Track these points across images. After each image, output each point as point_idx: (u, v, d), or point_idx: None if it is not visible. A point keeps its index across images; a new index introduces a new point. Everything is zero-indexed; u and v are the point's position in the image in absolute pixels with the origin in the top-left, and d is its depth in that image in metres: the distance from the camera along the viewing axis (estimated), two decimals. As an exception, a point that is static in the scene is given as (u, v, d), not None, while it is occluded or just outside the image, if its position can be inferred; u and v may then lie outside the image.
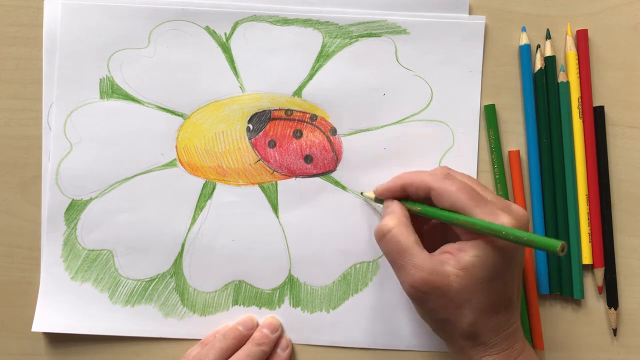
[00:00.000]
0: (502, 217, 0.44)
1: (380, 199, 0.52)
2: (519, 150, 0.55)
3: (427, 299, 0.45)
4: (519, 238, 0.42)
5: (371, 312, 0.55)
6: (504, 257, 0.44)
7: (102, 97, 0.54)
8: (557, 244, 0.41)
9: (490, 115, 0.55)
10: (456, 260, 0.44)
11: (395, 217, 0.47)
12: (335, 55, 0.55)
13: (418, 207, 0.48)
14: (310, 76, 0.55)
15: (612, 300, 0.55)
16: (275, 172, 0.55)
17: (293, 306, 0.55)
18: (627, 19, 0.56)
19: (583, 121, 0.55)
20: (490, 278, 0.44)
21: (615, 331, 0.55)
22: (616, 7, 0.56)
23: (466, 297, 0.44)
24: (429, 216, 0.48)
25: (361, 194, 0.55)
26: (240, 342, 0.53)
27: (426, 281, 0.44)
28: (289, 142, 0.55)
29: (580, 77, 0.55)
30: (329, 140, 0.55)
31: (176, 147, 0.55)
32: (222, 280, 0.55)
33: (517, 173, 0.55)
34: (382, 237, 0.47)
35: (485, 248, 0.44)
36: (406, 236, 0.46)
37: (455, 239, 0.47)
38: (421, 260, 0.45)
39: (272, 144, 0.55)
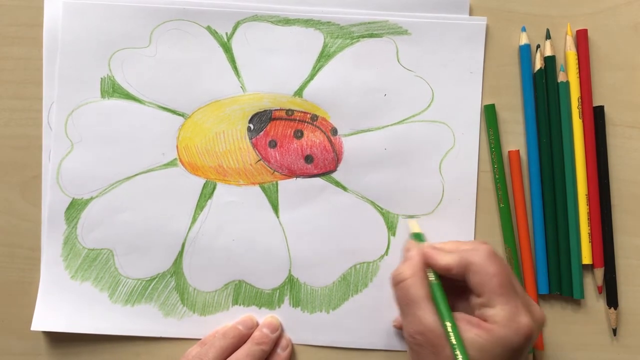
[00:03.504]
0: (523, 317, 0.44)
1: (418, 234, 0.52)
2: (519, 150, 0.55)
3: (420, 351, 0.45)
4: None
5: (371, 312, 0.55)
6: (503, 347, 0.44)
7: (103, 97, 0.54)
8: None
9: (490, 115, 0.55)
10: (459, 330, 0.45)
11: (411, 267, 0.48)
12: (337, 56, 0.55)
13: (433, 278, 0.48)
14: (311, 76, 0.55)
15: (612, 300, 0.55)
16: (275, 172, 0.55)
17: (293, 306, 0.55)
18: (627, 19, 0.56)
19: (583, 121, 0.55)
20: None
21: (615, 331, 0.55)
22: (616, 7, 0.56)
23: None
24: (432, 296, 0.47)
25: (409, 217, 0.55)
26: (240, 341, 0.53)
27: (424, 335, 0.45)
28: (290, 142, 0.55)
29: (580, 77, 0.55)
30: (330, 141, 0.55)
31: (177, 146, 0.55)
32: (222, 280, 0.55)
33: (517, 173, 0.55)
34: (396, 284, 0.48)
35: (483, 335, 0.44)
36: (417, 288, 0.46)
37: (465, 298, 0.47)
38: (425, 315, 0.45)
39: (273, 144, 0.55)
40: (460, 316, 0.46)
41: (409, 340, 0.46)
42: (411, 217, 0.55)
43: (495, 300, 0.45)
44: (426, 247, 0.50)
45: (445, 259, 0.47)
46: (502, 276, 0.45)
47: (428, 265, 0.48)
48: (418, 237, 0.52)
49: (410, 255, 0.49)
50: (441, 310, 0.46)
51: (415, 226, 0.53)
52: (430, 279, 0.48)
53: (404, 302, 0.47)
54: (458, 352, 0.43)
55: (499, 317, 0.44)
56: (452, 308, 0.47)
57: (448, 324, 0.45)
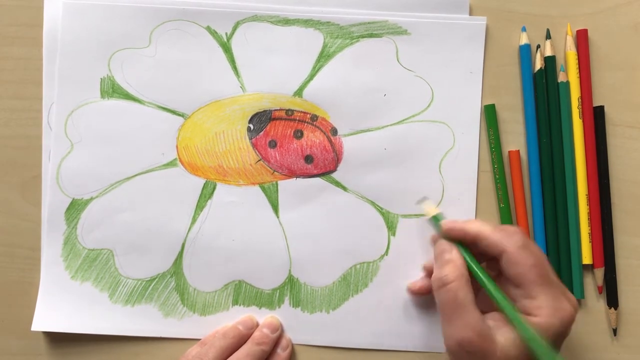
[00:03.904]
0: (565, 304, 0.45)
1: (436, 217, 0.51)
2: (519, 150, 0.55)
3: (468, 359, 0.45)
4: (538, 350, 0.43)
5: (371, 312, 0.55)
6: (551, 336, 0.44)
7: (102, 97, 0.54)
8: None
9: (490, 115, 0.55)
10: (503, 331, 0.45)
11: (457, 270, 0.47)
12: (336, 56, 0.55)
13: (472, 265, 0.48)
14: (311, 76, 0.55)
15: (612, 300, 0.55)
16: (275, 172, 0.55)
17: (293, 306, 0.55)
18: (627, 19, 0.56)
19: (583, 121, 0.55)
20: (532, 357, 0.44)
21: (615, 331, 0.55)
22: (616, 7, 0.56)
23: None
24: (475, 277, 0.47)
25: (422, 199, 0.54)
26: (240, 341, 0.53)
27: (473, 343, 0.44)
28: (290, 142, 0.55)
29: (580, 77, 0.55)
30: (330, 141, 0.55)
31: (177, 146, 0.55)
32: (222, 280, 0.55)
33: (517, 173, 0.55)
34: (440, 287, 0.46)
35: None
36: (465, 292, 0.45)
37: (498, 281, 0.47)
38: (474, 320, 0.44)
39: (273, 144, 0.55)
40: (498, 316, 0.46)
41: (455, 348, 0.45)
42: (412, 216, 0.55)
43: (536, 291, 0.45)
44: (448, 222, 0.49)
45: (475, 226, 0.47)
46: (540, 266, 0.45)
47: (457, 238, 0.48)
48: (437, 219, 0.50)
49: (450, 258, 0.48)
50: (495, 297, 0.45)
51: (431, 208, 0.52)
52: (468, 260, 0.47)
53: (450, 306, 0.45)
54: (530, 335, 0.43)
55: (544, 308, 0.44)
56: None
57: (508, 307, 0.45)
